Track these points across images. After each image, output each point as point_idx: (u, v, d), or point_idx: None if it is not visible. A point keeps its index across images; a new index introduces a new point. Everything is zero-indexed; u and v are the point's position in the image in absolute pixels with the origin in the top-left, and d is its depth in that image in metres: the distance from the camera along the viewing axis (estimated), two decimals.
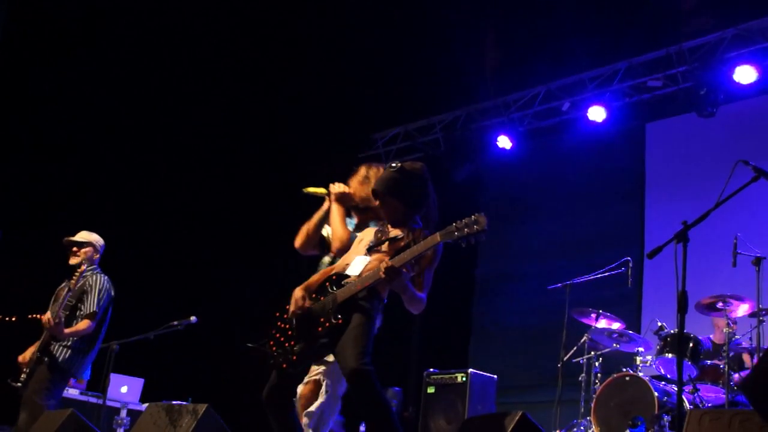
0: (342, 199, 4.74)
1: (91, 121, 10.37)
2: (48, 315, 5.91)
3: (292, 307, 4.10)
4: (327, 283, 4.09)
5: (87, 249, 6.29)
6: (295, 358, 4.00)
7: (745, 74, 8.85)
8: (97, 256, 6.38)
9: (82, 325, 6.04)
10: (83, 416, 5.24)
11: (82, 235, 6.38)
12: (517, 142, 11.07)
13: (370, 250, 4.14)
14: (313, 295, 4.10)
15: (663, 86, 9.85)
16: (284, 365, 4.01)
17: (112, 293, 6.29)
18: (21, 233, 9.16)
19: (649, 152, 10.54)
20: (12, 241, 8.33)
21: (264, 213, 11.14)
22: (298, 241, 4.91)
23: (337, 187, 4.77)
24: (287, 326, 4.09)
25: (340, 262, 4.30)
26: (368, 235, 4.32)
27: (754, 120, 9.49)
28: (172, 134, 10.82)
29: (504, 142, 11.01)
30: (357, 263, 4.12)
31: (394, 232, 4.17)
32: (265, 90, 11.41)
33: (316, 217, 4.86)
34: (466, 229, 3.70)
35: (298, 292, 4.11)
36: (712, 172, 9.53)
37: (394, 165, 4.22)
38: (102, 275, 6.28)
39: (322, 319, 3.96)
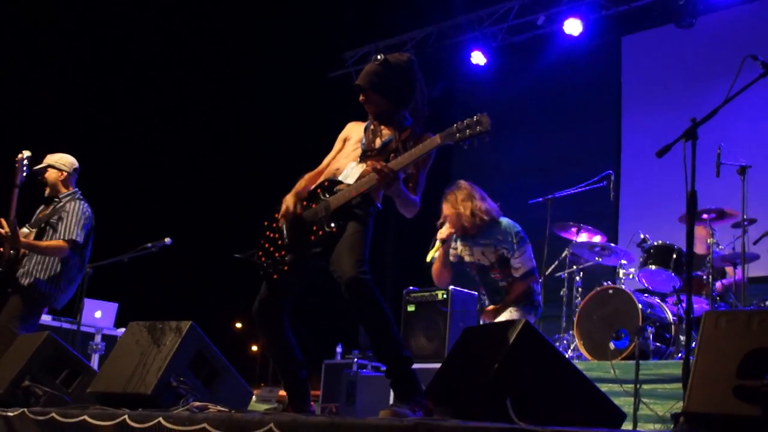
0: (449, 240, 5.61)
1: (63, 40, 10.00)
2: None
3: (282, 213, 3.89)
4: (318, 190, 3.88)
5: (50, 172, 5.95)
6: (286, 268, 3.80)
7: None
8: (64, 176, 5.99)
9: (53, 244, 5.69)
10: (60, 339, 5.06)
11: (46, 160, 6.02)
12: (492, 57, 10.87)
13: (364, 156, 3.94)
14: (304, 203, 3.88)
15: None
16: (275, 276, 3.83)
17: (93, 222, 5.92)
18: None
19: (625, 66, 10.41)
20: None
21: (237, 130, 10.92)
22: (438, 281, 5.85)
23: (443, 233, 5.58)
24: (277, 236, 3.89)
25: (329, 168, 4.08)
26: (356, 132, 4.10)
27: (733, 31, 9.33)
28: (145, 58, 10.52)
29: (478, 58, 10.81)
30: (350, 169, 3.92)
31: (385, 132, 3.97)
32: (232, 11, 11.08)
33: (438, 260, 5.68)
34: (468, 131, 3.54)
35: (289, 199, 3.90)
36: (689, 85, 9.43)
37: (378, 57, 4.01)
38: (81, 201, 5.84)
39: (314, 227, 3.77)
